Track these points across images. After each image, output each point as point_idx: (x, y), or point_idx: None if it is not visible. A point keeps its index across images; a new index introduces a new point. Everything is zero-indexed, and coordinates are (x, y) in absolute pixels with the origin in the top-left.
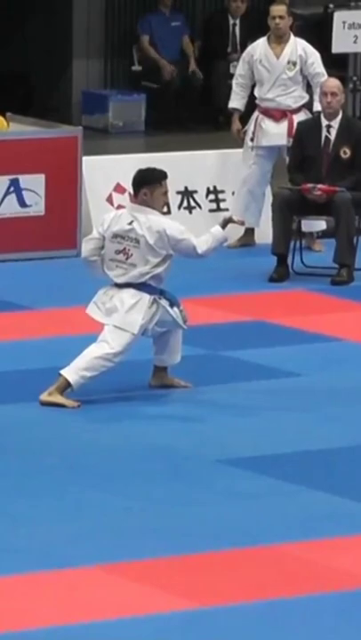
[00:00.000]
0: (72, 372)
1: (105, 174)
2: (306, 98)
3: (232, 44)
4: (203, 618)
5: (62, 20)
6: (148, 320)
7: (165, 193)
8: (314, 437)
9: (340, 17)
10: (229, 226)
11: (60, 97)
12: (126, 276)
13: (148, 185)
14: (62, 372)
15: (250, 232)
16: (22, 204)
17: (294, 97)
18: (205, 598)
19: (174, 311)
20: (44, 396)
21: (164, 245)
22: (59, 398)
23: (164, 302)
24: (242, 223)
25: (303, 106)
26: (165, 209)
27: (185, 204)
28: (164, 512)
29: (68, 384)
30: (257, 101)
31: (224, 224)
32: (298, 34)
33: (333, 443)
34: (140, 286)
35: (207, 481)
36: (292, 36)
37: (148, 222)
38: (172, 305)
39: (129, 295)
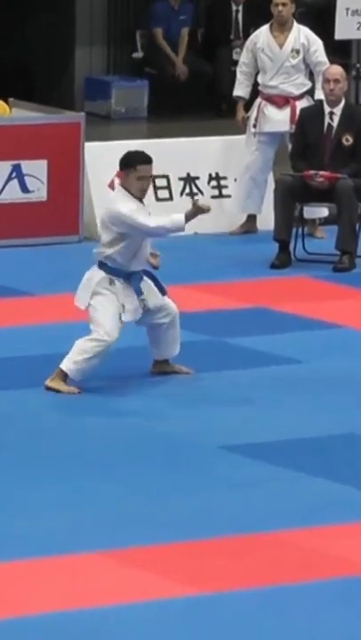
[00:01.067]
0: (66, 362)
1: (107, 160)
2: (308, 85)
3: (235, 31)
4: (203, 604)
5: (65, 7)
6: (105, 299)
7: (140, 178)
8: (315, 424)
9: (343, 3)
10: (231, 212)
11: (62, 83)
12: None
13: (124, 168)
14: (60, 365)
15: (252, 219)
16: (24, 189)
17: (297, 84)
18: (206, 585)
19: (136, 299)
20: (48, 381)
21: (113, 222)
22: (58, 384)
23: (127, 284)
24: (208, 209)
25: (306, 93)
26: (169, 196)
27: (187, 190)
28: (164, 499)
29: (66, 374)
30: (260, 88)
31: (192, 214)
32: (301, 21)
33: (334, 429)
34: (100, 264)
35: (208, 468)
36: (295, 24)
37: (109, 201)
38: (138, 293)
39: (88, 272)
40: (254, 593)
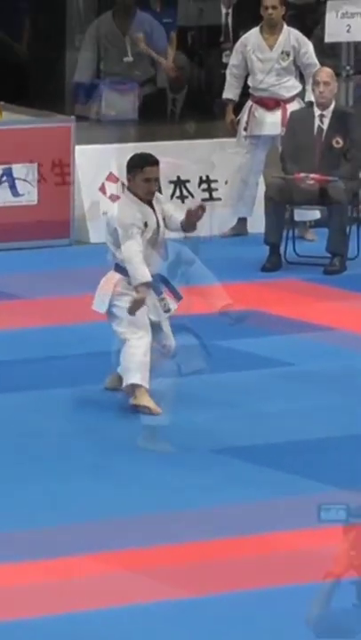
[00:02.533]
0: (127, 376)
1: (97, 163)
2: (299, 87)
3: (224, 34)
4: (196, 607)
5: (55, 10)
6: (129, 299)
7: (147, 180)
8: (307, 427)
9: (333, 6)
10: (222, 215)
11: (52, 86)
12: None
13: (130, 170)
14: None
15: (242, 221)
16: (15, 193)
17: (288, 87)
18: (199, 587)
19: (155, 298)
20: (132, 400)
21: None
22: (142, 399)
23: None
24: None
25: (296, 95)
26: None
27: (177, 193)
28: (157, 501)
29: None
30: (250, 91)
31: (137, 296)
32: (291, 23)
33: (327, 432)
34: (116, 267)
35: (201, 470)
36: (285, 26)
37: (116, 205)
38: (156, 292)
39: (105, 276)
40: (248, 595)
